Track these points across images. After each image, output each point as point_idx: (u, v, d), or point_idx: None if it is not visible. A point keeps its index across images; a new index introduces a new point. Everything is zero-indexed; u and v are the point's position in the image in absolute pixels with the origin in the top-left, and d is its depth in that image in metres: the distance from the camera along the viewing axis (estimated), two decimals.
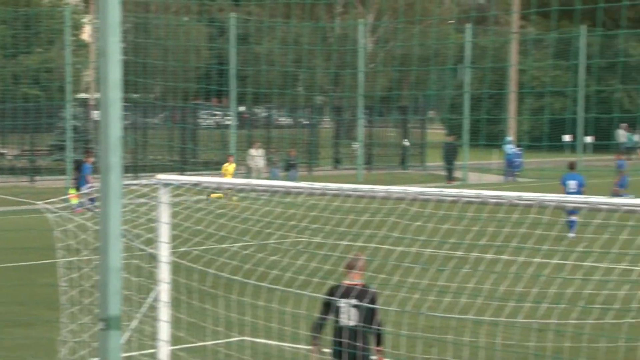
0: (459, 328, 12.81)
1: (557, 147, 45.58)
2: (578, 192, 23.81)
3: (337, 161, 50.74)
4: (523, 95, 56.22)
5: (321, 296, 9.94)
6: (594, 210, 7.66)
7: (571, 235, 22.25)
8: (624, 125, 59.43)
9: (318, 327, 9.81)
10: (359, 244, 11.38)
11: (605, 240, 10.28)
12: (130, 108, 45.58)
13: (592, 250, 11.68)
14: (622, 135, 59.70)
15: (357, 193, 9.83)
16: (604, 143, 47.63)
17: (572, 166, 26.04)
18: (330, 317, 9.68)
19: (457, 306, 11.56)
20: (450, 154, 45.38)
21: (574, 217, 22.28)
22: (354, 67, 47.54)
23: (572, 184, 24.59)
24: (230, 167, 35.96)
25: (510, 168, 45.70)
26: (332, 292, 9.77)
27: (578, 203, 8.64)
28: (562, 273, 11.96)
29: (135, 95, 48.70)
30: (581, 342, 12.09)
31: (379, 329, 9.61)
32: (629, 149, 59.95)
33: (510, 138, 48.93)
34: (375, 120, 52.46)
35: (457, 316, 11.51)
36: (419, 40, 50.83)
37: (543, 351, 11.46)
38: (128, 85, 38.59)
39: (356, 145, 47.90)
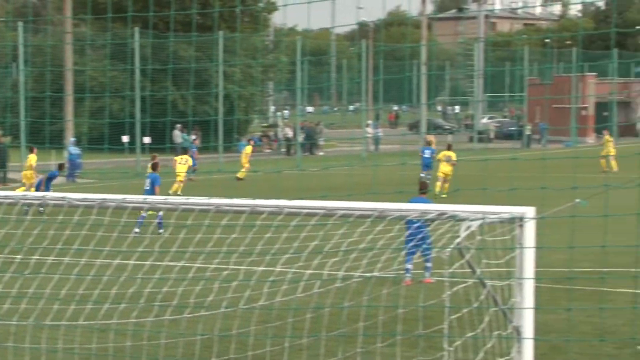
0: (19, 334, 12.53)
1: (118, 148, 45.97)
2: (151, 191, 24.61)
3: None
4: (82, 96, 55.90)
5: None
6: (169, 209, 7.89)
7: (136, 230, 22.76)
8: (179, 126, 61.22)
9: None
10: None
11: (165, 239, 10.61)
12: None
13: (152, 250, 11.99)
14: (178, 135, 61.48)
15: None
16: (162, 146, 48.66)
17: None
18: None
19: (17, 312, 11.30)
20: (1, 156, 44.03)
21: (143, 214, 22.84)
22: None
23: (147, 182, 25.36)
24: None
25: (72, 169, 45.38)
26: None
27: (138, 202, 8.86)
28: (124, 273, 12.12)
29: None
30: (142, 340, 12.34)
31: None
32: (185, 149, 61.83)
33: (73, 139, 48.56)
34: None
35: (16, 322, 11.25)
36: None
37: (105, 352, 11.55)
38: None
39: None
